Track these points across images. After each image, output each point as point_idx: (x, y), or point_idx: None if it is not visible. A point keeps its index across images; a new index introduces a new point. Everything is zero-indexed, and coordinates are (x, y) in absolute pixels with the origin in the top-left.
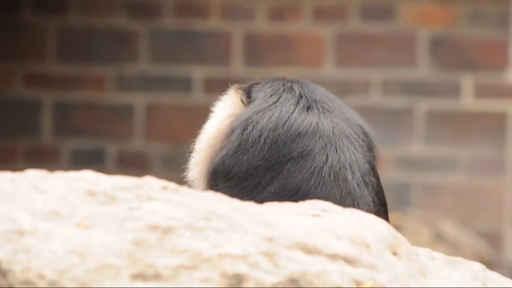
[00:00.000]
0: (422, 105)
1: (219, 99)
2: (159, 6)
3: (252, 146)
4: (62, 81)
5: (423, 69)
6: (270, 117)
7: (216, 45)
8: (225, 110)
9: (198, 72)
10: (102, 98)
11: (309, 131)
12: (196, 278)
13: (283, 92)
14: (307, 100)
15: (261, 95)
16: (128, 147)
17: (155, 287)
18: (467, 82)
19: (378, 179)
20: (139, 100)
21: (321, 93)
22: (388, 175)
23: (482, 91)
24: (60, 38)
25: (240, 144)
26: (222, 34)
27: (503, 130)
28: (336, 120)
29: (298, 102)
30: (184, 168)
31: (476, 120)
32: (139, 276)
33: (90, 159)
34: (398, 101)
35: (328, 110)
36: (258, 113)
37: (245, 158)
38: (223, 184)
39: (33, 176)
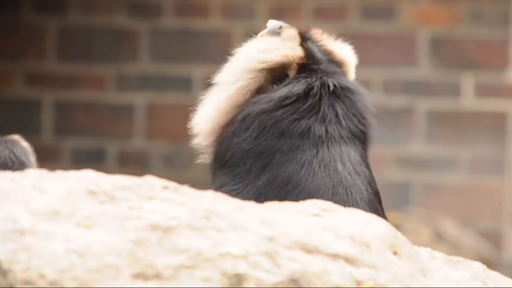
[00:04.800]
0: (423, 105)
1: (284, 29)
2: (159, 5)
3: (244, 131)
4: (62, 80)
5: (424, 69)
6: (266, 116)
7: (216, 44)
8: (284, 49)
9: (198, 72)
10: (103, 97)
11: (296, 134)
12: (197, 277)
13: (303, 107)
14: (317, 114)
15: (281, 94)
16: (128, 146)
17: (156, 286)
18: (468, 82)
19: (369, 170)
20: (139, 99)
21: (343, 110)
22: (389, 174)
23: (483, 91)
24: (61, 37)
25: (234, 130)
26: (222, 33)
27: (503, 130)
28: (334, 127)
29: (303, 112)
30: (186, 166)
31: (477, 119)
32: (139, 276)
33: (91, 159)
34: (398, 101)
35: (328, 123)
36: (264, 112)
37: (236, 140)
38: (218, 172)
39: (33, 175)
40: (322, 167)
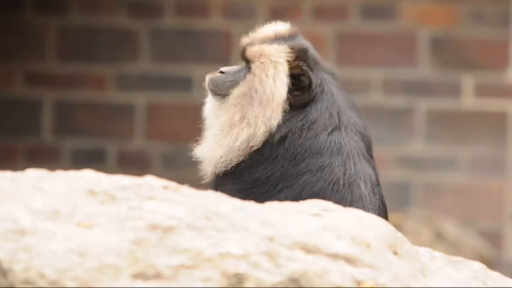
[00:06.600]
0: (423, 105)
1: (247, 50)
2: (159, 5)
3: (273, 160)
4: (62, 80)
5: (424, 69)
6: (299, 140)
7: (216, 44)
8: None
9: (199, 72)
10: (103, 97)
11: (328, 150)
12: (197, 277)
13: (332, 120)
14: (337, 123)
15: (304, 116)
16: (128, 146)
17: (156, 286)
18: (468, 82)
19: (380, 187)
20: (139, 99)
21: (352, 115)
22: (389, 174)
23: (483, 91)
24: (61, 37)
25: (257, 158)
26: (222, 33)
27: (503, 130)
28: (356, 139)
29: (328, 125)
30: (187, 165)
31: (477, 119)
32: (139, 276)
33: (91, 159)
34: (399, 101)
35: (351, 131)
36: (295, 132)
37: (261, 168)
38: (230, 186)
39: (33, 175)
40: (347, 185)
